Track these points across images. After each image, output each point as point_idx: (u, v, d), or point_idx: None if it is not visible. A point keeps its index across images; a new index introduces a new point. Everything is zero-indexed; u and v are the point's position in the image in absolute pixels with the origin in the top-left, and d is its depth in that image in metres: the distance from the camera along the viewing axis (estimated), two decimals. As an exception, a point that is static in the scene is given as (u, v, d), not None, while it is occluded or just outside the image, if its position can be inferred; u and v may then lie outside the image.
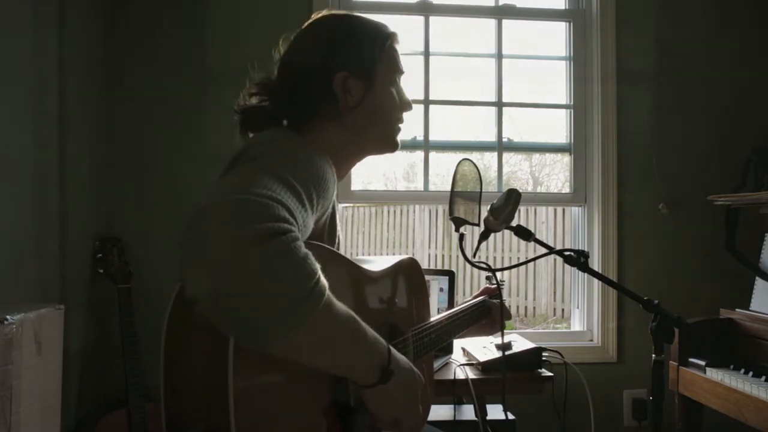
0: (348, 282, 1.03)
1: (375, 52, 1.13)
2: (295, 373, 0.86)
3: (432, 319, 1.31)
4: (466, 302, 1.53)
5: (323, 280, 0.75)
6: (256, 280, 0.69)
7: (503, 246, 5.83)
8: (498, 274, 1.44)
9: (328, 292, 0.76)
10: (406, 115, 1.20)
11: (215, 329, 0.75)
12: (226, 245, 0.69)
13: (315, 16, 1.18)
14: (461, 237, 1.34)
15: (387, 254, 6.44)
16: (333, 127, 1.11)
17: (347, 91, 1.10)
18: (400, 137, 1.20)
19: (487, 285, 1.65)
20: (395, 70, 1.17)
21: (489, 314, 1.55)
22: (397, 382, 0.91)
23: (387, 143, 1.19)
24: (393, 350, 0.92)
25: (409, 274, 1.25)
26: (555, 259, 5.32)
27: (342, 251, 1.13)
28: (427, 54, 2.60)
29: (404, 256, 1.26)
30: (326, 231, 1.06)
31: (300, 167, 0.89)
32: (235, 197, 0.74)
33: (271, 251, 0.70)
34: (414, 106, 1.24)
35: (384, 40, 1.15)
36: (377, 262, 1.17)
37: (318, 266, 0.75)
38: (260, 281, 0.69)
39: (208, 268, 0.70)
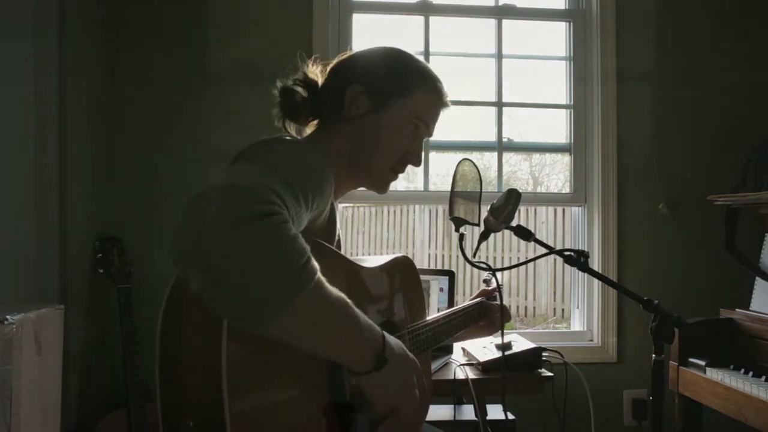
0: (342, 278, 1.04)
1: (402, 86, 1.15)
2: (290, 364, 0.86)
3: (428, 318, 1.32)
4: (464, 304, 1.54)
5: (313, 262, 0.76)
6: (246, 260, 0.70)
7: (503, 246, 5.82)
8: (497, 275, 1.44)
9: (318, 273, 0.77)
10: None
11: (208, 320, 0.76)
12: (218, 225, 0.71)
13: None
14: (461, 237, 1.34)
15: (386, 254, 6.44)
16: (334, 135, 1.14)
17: (354, 103, 1.13)
18: (393, 185, 1.22)
19: (485, 287, 1.66)
20: (418, 117, 1.16)
21: (487, 315, 1.55)
22: (392, 369, 0.91)
23: (374, 177, 1.19)
24: (387, 336, 0.93)
25: (403, 272, 1.25)
26: (555, 259, 5.32)
27: (342, 251, 1.14)
28: (427, 54, 2.60)
29: (398, 255, 1.26)
30: (324, 231, 1.07)
31: (298, 166, 0.91)
32: (228, 182, 0.77)
33: (260, 231, 0.72)
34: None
35: (424, 84, 1.17)
36: (371, 261, 1.18)
37: (308, 247, 0.76)
38: (250, 261, 0.71)
39: (200, 249, 0.71)
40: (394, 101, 1.14)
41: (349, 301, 0.85)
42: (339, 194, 1.18)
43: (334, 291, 0.82)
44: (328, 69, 1.20)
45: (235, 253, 0.70)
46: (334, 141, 1.14)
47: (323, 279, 0.79)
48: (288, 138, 1.10)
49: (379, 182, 1.19)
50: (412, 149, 1.18)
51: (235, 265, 0.70)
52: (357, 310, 0.87)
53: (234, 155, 0.97)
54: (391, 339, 0.94)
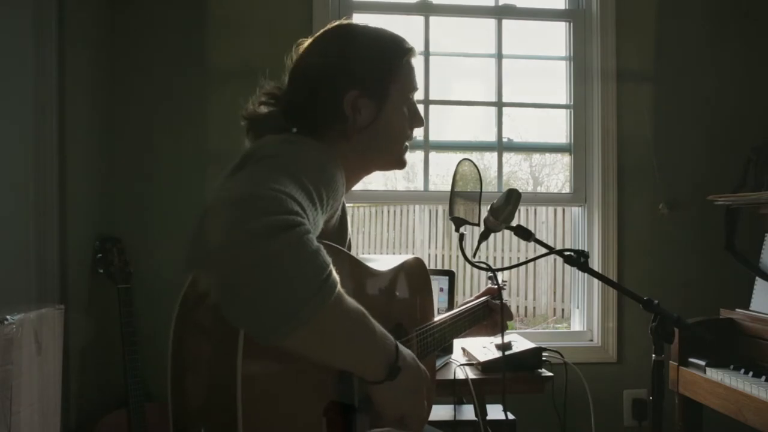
0: (355, 281, 1.03)
1: (390, 70, 1.10)
2: (302, 372, 0.86)
3: (436, 319, 1.31)
4: (468, 302, 1.54)
5: (335, 274, 0.75)
6: (269, 273, 0.69)
7: (503, 246, 5.83)
8: (498, 274, 1.44)
9: (339, 286, 0.76)
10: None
11: (223, 328, 0.75)
12: (239, 237, 0.70)
13: (331, 24, 1.14)
14: (461, 237, 1.34)
15: (387, 254, 6.44)
16: (340, 142, 1.09)
17: (357, 110, 1.07)
18: (408, 154, 1.19)
19: (490, 285, 1.65)
20: (409, 87, 1.14)
21: (491, 315, 1.55)
22: (403, 379, 0.91)
23: (394, 162, 1.17)
24: (400, 346, 0.92)
25: (414, 273, 1.25)
26: (555, 259, 5.32)
27: (353, 252, 1.14)
28: (427, 54, 2.59)
29: (410, 256, 1.26)
30: (336, 232, 1.06)
31: (310, 167, 0.89)
32: (247, 191, 0.75)
33: (283, 244, 0.71)
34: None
35: (401, 55, 1.12)
36: (383, 262, 1.17)
37: (329, 260, 0.75)
38: (272, 273, 0.69)
39: (221, 260, 0.70)
40: (390, 89, 1.10)
41: (365, 311, 0.84)
42: (350, 185, 1.15)
43: (352, 303, 0.81)
44: (293, 70, 1.11)
45: (258, 267, 0.69)
46: (338, 142, 1.08)
47: (343, 292, 0.78)
48: (295, 138, 1.06)
49: (399, 162, 1.17)
50: (413, 115, 1.16)
51: (256, 278, 0.69)
52: (372, 321, 0.86)
53: (241, 156, 0.93)
54: (403, 348, 0.94)
